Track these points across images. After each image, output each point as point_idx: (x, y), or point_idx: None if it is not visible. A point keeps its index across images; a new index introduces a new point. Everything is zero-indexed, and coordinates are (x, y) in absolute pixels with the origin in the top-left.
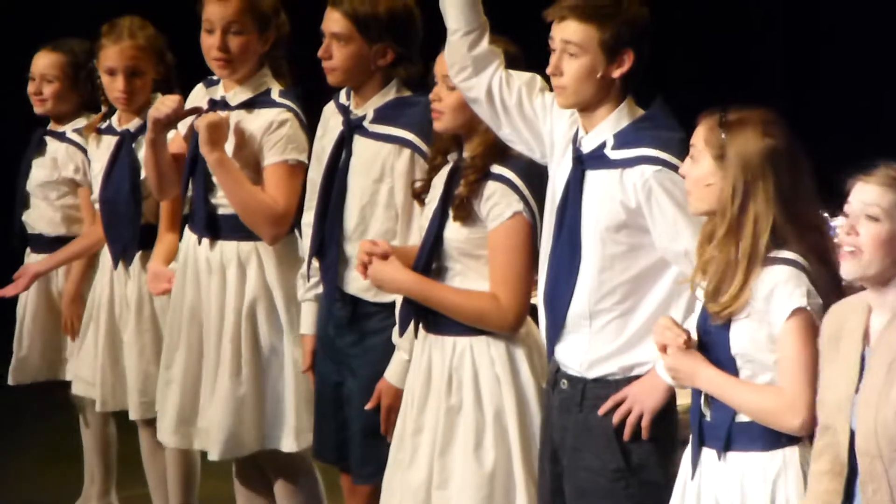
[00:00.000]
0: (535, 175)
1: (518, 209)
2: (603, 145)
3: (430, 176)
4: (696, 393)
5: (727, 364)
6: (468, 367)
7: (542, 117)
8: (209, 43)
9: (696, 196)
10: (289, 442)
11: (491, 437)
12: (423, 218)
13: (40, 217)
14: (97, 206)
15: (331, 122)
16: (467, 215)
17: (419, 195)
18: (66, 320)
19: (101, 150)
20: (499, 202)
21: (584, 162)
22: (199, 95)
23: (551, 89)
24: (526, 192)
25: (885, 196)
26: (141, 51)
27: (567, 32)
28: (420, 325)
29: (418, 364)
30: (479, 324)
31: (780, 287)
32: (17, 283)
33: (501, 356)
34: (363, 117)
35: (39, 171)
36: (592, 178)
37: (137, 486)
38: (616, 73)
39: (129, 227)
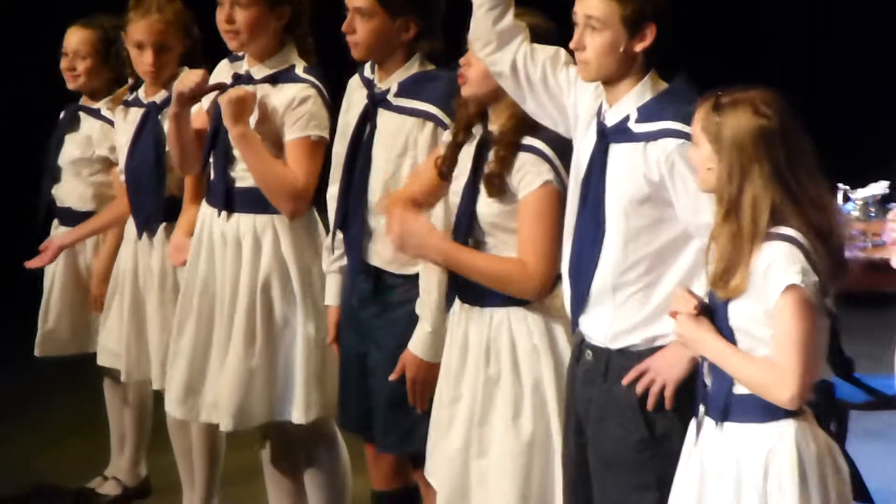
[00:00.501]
0: (565, 145)
1: (548, 178)
2: (627, 118)
3: (454, 152)
4: (700, 364)
5: (727, 337)
6: (506, 339)
7: (566, 91)
8: (219, 16)
9: (702, 179)
10: (298, 414)
11: (529, 407)
12: (451, 194)
13: (71, 192)
14: (122, 177)
15: (355, 96)
16: (501, 190)
17: (443, 172)
18: (95, 298)
19: (128, 123)
20: (529, 171)
21: (608, 135)
22: (223, 71)
23: (575, 63)
24: (557, 161)
25: None
26: (168, 25)
27: (589, 7)
28: (457, 297)
29: (455, 335)
30: (504, 287)
31: (776, 263)
32: (43, 255)
33: (539, 327)
34: (387, 91)
35: (72, 148)
36: (616, 151)
37: (166, 455)
38: (638, 48)
39: (152, 198)
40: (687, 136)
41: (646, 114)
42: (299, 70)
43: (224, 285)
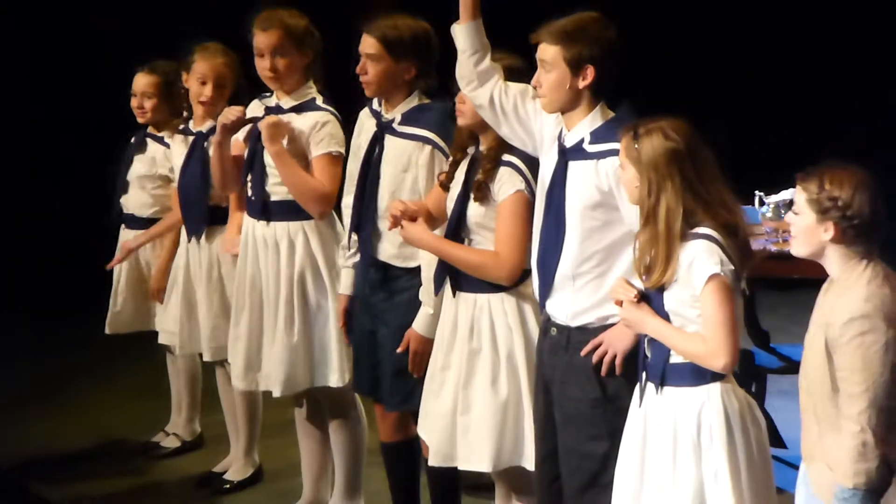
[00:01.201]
0: (535, 163)
1: (521, 187)
2: (582, 141)
3: (453, 169)
4: (642, 338)
5: (664, 317)
6: (486, 318)
7: (533, 119)
8: (261, 65)
9: (629, 195)
10: (335, 378)
11: (504, 374)
12: (448, 200)
13: (136, 201)
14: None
15: (366, 125)
16: (484, 196)
17: (444, 184)
18: (154, 289)
19: (180, 147)
20: (506, 181)
21: (567, 154)
22: (254, 107)
23: None
24: (528, 174)
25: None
26: (227, 67)
27: (542, 52)
28: (450, 286)
29: (447, 314)
30: (481, 273)
31: (698, 258)
32: (118, 257)
33: (513, 309)
34: (392, 120)
35: (140, 166)
36: (574, 167)
37: (217, 414)
38: (581, 85)
39: (200, 208)
40: None
41: (597, 137)
42: (318, 101)
43: (268, 280)
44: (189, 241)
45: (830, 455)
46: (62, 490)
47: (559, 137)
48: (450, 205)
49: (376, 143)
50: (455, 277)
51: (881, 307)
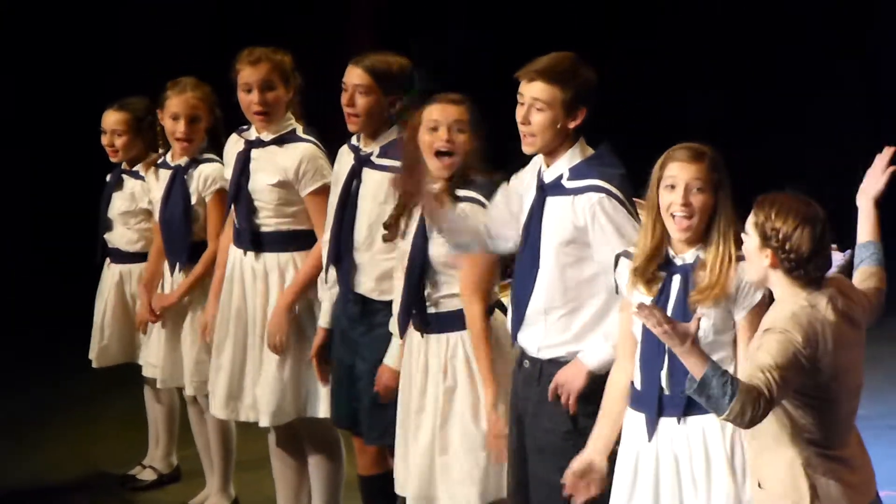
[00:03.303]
0: (493, 190)
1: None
2: (561, 177)
3: (400, 211)
4: (655, 370)
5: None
6: (461, 355)
7: (512, 202)
8: (250, 99)
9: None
10: (323, 409)
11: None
12: (405, 244)
13: (121, 238)
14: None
15: (343, 160)
16: None
17: (392, 228)
18: (140, 321)
19: (160, 181)
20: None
21: (545, 190)
22: (233, 140)
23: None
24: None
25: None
26: (200, 101)
27: (536, 91)
28: (418, 328)
29: (416, 356)
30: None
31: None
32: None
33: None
34: (371, 153)
35: (120, 203)
36: (551, 203)
37: (192, 447)
38: (572, 125)
39: (182, 241)
40: (607, 192)
41: (576, 173)
42: (299, 132)
43: (255, 311)
44: (172, 273)
45: (762, 472)
46: None
47: (538, 173)
48: (405, 248)
49: (354, 176)
50: (423, 319)
51: (804, 326)
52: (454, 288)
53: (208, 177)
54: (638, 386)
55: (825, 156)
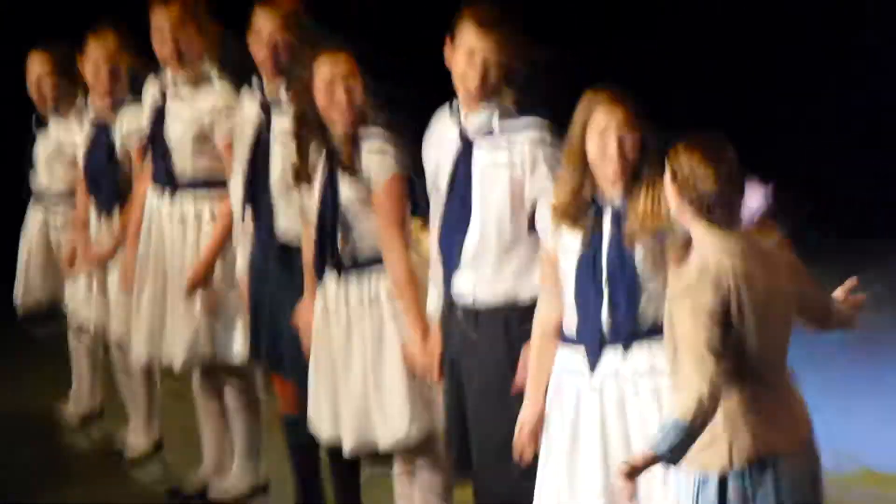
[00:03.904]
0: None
1: (394, 169)
2: (488, 124)
3: (304, 160)
4: (595, 308)
5: None
6: (384, 289)
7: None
8: (161, 42)
9: None
10: (238, 353)
11: None
12: (306, 191)
13: (45, 179)
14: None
15: (246, 107)
16: (354, 177)
17: (300, 176)
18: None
19: (82, 130)
20: (376, 166)
21: (471, 139)
22: (149, 85)
23: None
24: (394, 143)
25: None
26: (119, 50)
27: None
28: (334, 271)
29: (334, 300)
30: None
31: None
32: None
33: None
34: (277, 98)
35: (44, 147)
36: (479, 150)
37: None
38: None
39: (109, 188)
40: (542, 137)
41: (507, 120)
42: (215, 75)
43: (173, 253)
44: (100, 219)
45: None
46: None
47: (459, 124)
48: (311, 194)
49: (262, 124)
50: (339, 261)
51: (712, 281)
52: (368, 232)
53: (130, 128)
54: (572, 324)
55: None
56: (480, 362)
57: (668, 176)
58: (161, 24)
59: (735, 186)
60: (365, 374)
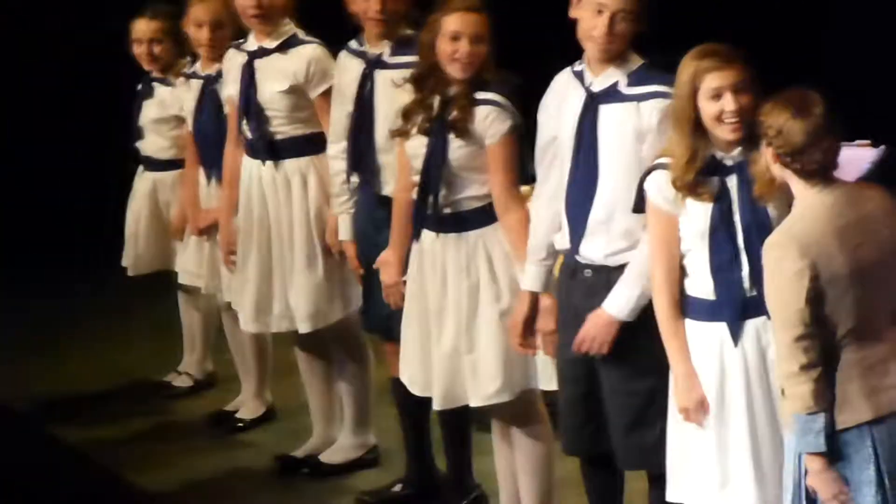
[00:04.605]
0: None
1: (510, 124)
2: (616, 84)
3: (414, 114)
4: (734, 274)
5: None
6: (483, 252)
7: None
8: (244, 3)
9: None
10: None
11: (508, 302)
12: (411, 148)
13: (154, 145)
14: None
15: (347, 66)
16: (466, 137)
17: (403, 131)
18: (175, 229)
19: (186, 88)
20: (494, 121)
21: (597, 99)
22: (230, 56)
23: None
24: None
25: None
26: (223, 8)
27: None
28: (433, 230)
29: (431, 259)
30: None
31: None
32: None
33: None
34: (381, 54)
35: (151, 110)
36: (606, 110)
37: (229, 353)
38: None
39: (216, 151)
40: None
41: (636, 79)
42: (301, 35)
43: (280, 221)
44: (209, 183)
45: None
46: (77, 431)
47: (584, 84)
48: (416, 152)
49: (366, 80)
50: (440, 219)
51: (799, 236)
52: (472, 190)
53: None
54: (710, 296)
55: None
56: None
57: (762, 133)
58: None
59: (828, 141)
60: (458, 334)
